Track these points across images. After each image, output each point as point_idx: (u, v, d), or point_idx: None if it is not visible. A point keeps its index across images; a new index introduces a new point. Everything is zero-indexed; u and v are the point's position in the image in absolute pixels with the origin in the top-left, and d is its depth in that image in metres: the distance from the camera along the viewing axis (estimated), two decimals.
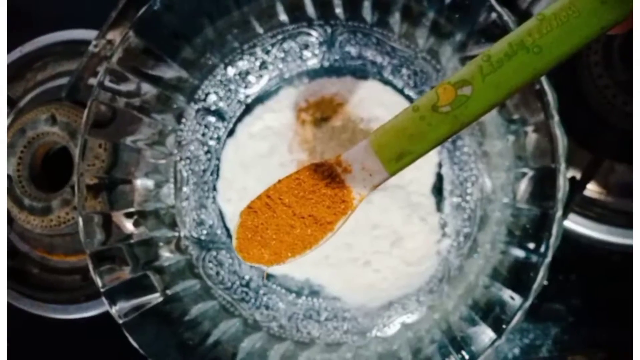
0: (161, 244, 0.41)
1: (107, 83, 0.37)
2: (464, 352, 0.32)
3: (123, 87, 0.38)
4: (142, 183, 0.41)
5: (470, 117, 0.22)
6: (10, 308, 0.49)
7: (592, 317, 0.40)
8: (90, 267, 0.36)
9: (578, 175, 0.41)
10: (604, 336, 0.40)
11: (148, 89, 0.39)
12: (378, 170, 0.24)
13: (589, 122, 0.40)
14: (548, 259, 0.30)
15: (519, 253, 0.33)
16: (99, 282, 0.36)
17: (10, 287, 0.49)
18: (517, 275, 0.32)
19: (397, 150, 0.23)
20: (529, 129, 0.34)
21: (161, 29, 0.38)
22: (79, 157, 0.36)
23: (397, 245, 0.41)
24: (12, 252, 0.52)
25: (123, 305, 0.36)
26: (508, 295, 0.32)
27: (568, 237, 0.41)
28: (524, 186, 0.35)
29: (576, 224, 0.41)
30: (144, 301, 0.37)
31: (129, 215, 0.40)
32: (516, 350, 0.41)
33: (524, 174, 0.36)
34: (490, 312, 0.33)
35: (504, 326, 0.31)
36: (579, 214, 0.41)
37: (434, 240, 0.40)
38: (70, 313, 0.48)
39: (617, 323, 0.40)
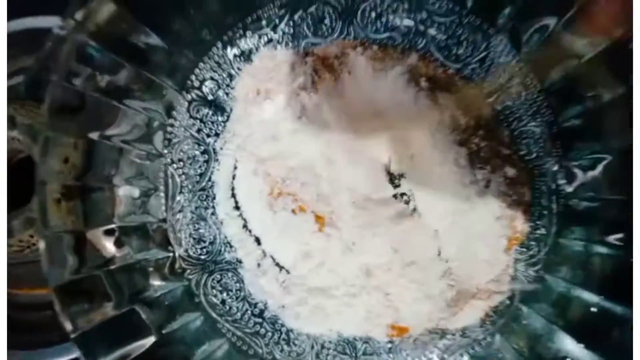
0: (151, 268, 0.34)
1: (77, 61, 0.29)
2: None
3: (98, 67, 0.30)
4: (125, 191, 0.33)
5: None
6: None
7: None
8: (57, 305, 0.27)
9: None
10: None
11: (129, 70, 0.32)
12: None
13: None
14: None
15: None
16: (69, 326, 0.27)
17: None
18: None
19: None
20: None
21: None
22: (40, 158, 0.28)
23: None
24: None
25: (104, 356, 0.28)
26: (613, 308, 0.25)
27: None
28: (605, 175, 0.28)
29: None
30: (134, 348, 0.28)
31: (108, 233, 0.32)
32: None
33: (605, 158, 0.29)
34: (596, 333, 0.25)
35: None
36: None
37: None
38: (45, 358, 0.40)
39: None
